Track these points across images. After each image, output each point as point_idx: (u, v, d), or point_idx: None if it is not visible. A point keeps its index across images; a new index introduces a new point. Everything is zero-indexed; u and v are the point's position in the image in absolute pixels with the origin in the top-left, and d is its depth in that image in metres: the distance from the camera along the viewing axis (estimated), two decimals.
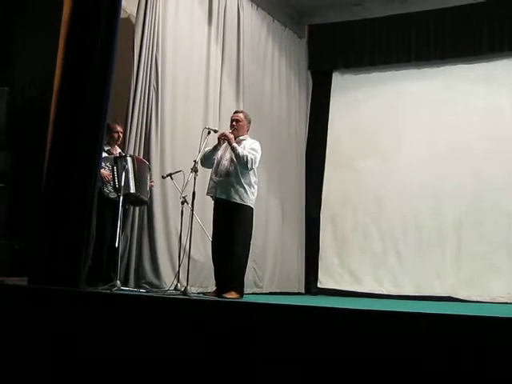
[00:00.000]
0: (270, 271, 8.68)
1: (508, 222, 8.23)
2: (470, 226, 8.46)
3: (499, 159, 8.35)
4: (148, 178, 6.36)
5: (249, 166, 5.97)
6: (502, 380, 3.20)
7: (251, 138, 6.28)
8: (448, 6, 8.73)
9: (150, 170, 6.50)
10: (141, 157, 6.63)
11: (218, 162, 6.12)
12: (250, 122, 6.34)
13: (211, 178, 6.17)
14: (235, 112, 6.48)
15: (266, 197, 8.43)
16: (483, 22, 8.59)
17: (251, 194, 6.06)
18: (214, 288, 6.14)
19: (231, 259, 5.97)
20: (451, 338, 3.37)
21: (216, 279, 6.12)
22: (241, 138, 6.18)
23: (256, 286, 8.31)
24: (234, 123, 6.22)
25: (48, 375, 4.50)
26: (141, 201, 6.38)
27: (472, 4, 8.58)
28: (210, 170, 6.25)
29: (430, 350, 3.37)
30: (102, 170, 5.96)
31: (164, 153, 6.98)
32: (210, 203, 6.28)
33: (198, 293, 6.41)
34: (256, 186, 6.15)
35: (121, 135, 6.47)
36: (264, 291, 8.40)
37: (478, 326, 3.39)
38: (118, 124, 6.43)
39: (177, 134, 7.15)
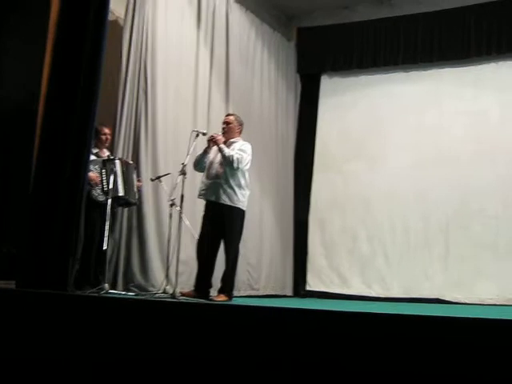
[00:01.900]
0: (265, 274, 8.70)
1: (495, 225, 8.26)
2: (458, 229, 8.50)
3: (486, 162, 8.39)
4: (134, 178, 6.35)
5: (234, 165, 5.98)
6: (492, 381, 3.21)
7: (243, 140, 6.30)
8: (436, 9, 8.77)
9: (135, 169, 6.48)
10: (129, 159, 6.62)
11: (210, 165, 6.14)
12: (241, 125, 6.36)
13: (202, 181, 6.19)
14: (226, 115, 6.51)
15: (258, 199, 8.44)
16: (471, 26, 8.62)
17: (241, 195, 6.07)
18: (192, 289, 6.13)
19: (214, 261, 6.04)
20: (439, 339, 3.38)
21: (197, 279, 6.12)
22: (232, 140, 6.20)
23: (251, 288, 8.32)
24: (224, 126, 6.24)
25: (35, 378, 4.47)
26: (129, 203, 6.39)
27: (460, 8, 8.62)
28: (200, 172, 6.27)
29: (420, 352, 3.38)
30: (90, 173, 5.95)
31: (153, 155, 6.97)
32: (200, 206, 6.29)
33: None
34: (247, 188, 6.16)
35: (109, 137, 6.46)
36: (260, 294, 8.41)
37: (466, 328, 3.40)
38: (106, 126, 6.42)
39: (166, 136, 7.14)
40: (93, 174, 6.04)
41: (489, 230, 8.29)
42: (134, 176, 6.36)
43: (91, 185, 6.03)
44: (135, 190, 6.33)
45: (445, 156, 8.63)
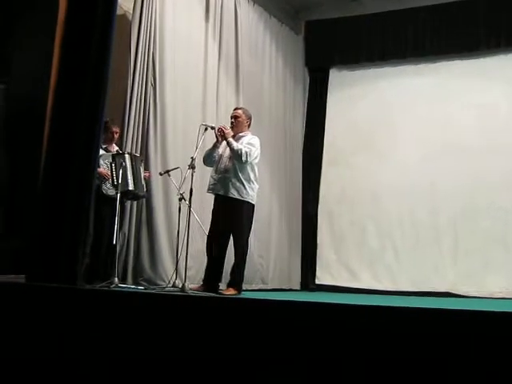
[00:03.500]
0: (273, 267, 8.70)
1: (504, 218, 8.24)
2: (467, 222, 8.48)
3: (495, 155, 8.36)
4: (142, 171, 6.35)
5: (243, 158, 5.97)
6: (502, 374, 3.21)
7: (252, 134, 6.29)
8: (444, 1, 8.71)
9: (142, 161, 6.48)
10: (138, 153, 6.63)
11: (219, 160, 6.14)
12: (250, 118, 6.35)
13: (211, 176, 6.19)
14: (235, 109, 6.51)
15: (267, 193, 8.44)
16: (480, 18, 8.58)
17: (250, 189, 6.07)
18: (201, 283, 6.14)
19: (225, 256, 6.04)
20: (449, 333, 3.37)
21: (206, 273, 6.13)
22: (241, 134, 6.20)
23: (260, 282, 8.33)
24: (232, 120, 6.24)
25: (46, 373, 4.49)
26: (137, 196, 6.40)
27: (467, 0, 8.57)
28: (210, 167, 6.27)
29: (430, 345, 3.38)
30: (101, 169, 5.98)
31: (162, 149, 6.98)
32: (209, 200, 6.30)
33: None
34: (256, 182, 6.16)
35: (116, 136, 6.48)
36: (268, 287, 8.42)
37: (476, 321, 3.40)
38: (115, 125, 6.44)
39: (175, 130, 7.15)
40: (103, 169, 6.06)
41: (498, 223, 8.26)
42: (142, 168, 6.36)
43: (101, 179, 6.05)
44: (143, 182, 6.34)
45: (454, 149, 8.60)
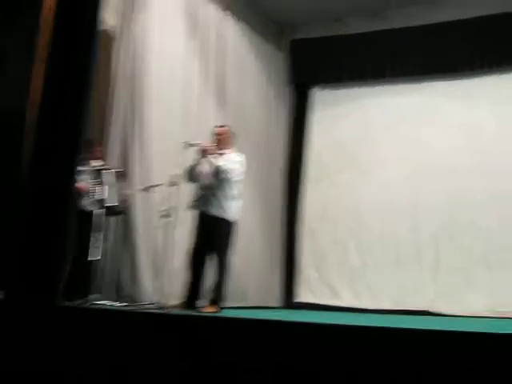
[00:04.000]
0: (254, 285, 8.67)
1: (485, 237, 8.27)
2: (448, 241, 8.50)
3: (478, 175, 8.38)
4: (122, 186, 6.33)
5: (223, 175, 5.99)
6: None
7: (235, 152, 6.30)
8: (429, 22, 8.78)
9: (123, 176, 6.45)
10: (119, 169, 6.61)
11: (202, 176, 6.13)
12: (233, 136, 6.36)
13: (194, 192, 6.19)
14: (218, 126, 6.50)
15: (249, 210, 8.43)
16: (464, 39, 8.65)
17: (233, 206, 6.07)
18: (181, 300, 6.11)
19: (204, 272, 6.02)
20: (430, 353, 3.37)
21: (186, 289, 6.09)
22: (224, 151, 6.20)
23: (243, 299, 8.30)
24: (216, 137, 6.24)
25: None
26: (117, 212, 6.38)
27: (453, 21, 8.64)
28: (192, 183, 6.25)
29: (410, 365, 3.37)
30: (79, 184, 5.94)
31: (144, 166, 6.96)
32: (191, 217, 6.27)
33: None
34: (239, 199, 6.16)
35: (99, 153, 6.44)
36: (248, 305, 8.38)
37: (456, 341, 3.40)
38: (98, 146, 6.41)
39: (157, 147, 7.13)
40: (83, 184, 6.03)
41: (480, 242, 8.28)
42: (122, 184, 6.34)
43: (81, 194, 6.02)
44: (123, 198, 6.32)
45: (437, 168, 8.64)
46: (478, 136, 8.55)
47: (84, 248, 5.99)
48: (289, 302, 9.30)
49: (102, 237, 6.37)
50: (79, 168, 5.69)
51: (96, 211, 5.89)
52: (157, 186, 6.28)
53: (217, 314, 5.68)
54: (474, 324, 6.35)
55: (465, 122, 8.63)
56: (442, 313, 8.17)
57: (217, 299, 5.98)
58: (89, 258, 5.88)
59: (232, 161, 6.09)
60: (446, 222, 8.53)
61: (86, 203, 6.10)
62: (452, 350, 3.35)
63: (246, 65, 8.91)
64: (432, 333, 3.55)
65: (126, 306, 6.14)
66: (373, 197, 8.98)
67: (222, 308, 6.09)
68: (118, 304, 6.17)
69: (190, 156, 6.25)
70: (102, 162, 6.51)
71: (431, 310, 8.25)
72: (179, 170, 5.97)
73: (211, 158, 6.05)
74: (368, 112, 9.28)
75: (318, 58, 9.65)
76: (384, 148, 9.08)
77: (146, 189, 6.40)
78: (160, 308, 5.57)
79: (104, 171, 6.13)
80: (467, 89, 8.74)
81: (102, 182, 5.99)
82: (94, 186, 6.04)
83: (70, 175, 5.45)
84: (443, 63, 8.80)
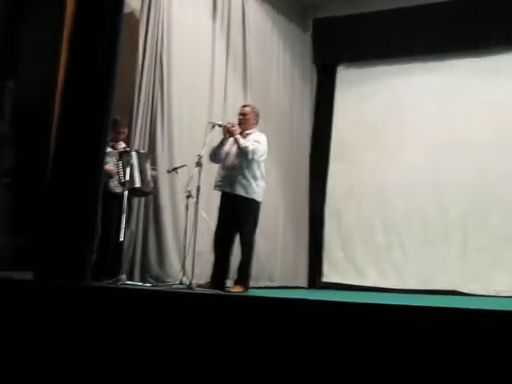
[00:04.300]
0: (280, 265, 8.71)
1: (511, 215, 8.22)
2: (475, 220, 8.46)
3: (503, 152, 8.33)
4: (148, 167, 6.35)
5: (249, 156, 5.98)
6: (504, 373, 3.21)
7: (259, 131, 6.30)
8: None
9: (148, 157, 6.47)
10: (145, 151, 6.65)
11: (226, 157, 6.15)
12: (257, 116, 6.35)
13: (218, 172, 6.21)
14: (242, 106, 6.50)
15: (274, 190, 8.45)
16: (489, 15, 8.53)
17: (257, 187, 6.07)
18: (208, 280, 6.15)
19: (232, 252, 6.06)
20: (456, 332, 3.38)
21: (213, 270, 6.13)
22: (248, 131, 6.20)
23: (269, 279, 8.35)
24: (240, 117, 6.24)
25: (54, 371, 4.51)
26: (144, 193, 6.42)
27: None
28: (216, 164, 6.27)
29: (436, 344, 3.38)
30: (107, 166, 5.99)
31: (169, 147, 7.00)
32: (215, 198, 6.30)
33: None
34: (263, 180, 6.16)
35: (123, 135, 6.47)
36: (275, 285, 8.43)
37: (482, 320, 3.40)
38: (123, 124, 6.44)
39: (182, 128, 7.16)
40: (109, 166, 6.08)
41: (507, 221, 8.23)
42: (148, 165, 6.37)
43: (108, 176, 6.07)
44: (149, 179, 6.35)
45: (462, 146, 8.57)
46: (503, 113, 8.46)
47: (112, 229, 6.05)
48: (315, 282, 9.32)
49: (129, 218, 6.44)
50: (106, 150, 5.76)
51: (123, 193, 5.92)
52: (182, 166, 6.30)
53: (243, 294, 5.71)
54: (499, 303, 6.33)
55: (490, 99, 8.53)
56: (467, 293, 8.14)
57: (243, 279, 6.01)
58: (117, 239, 5.93)
59: (256, 141, 6.08)
60: (472, 201, 8.48)
61: (113, 185, 6.15)
62: (478, 328, 3.35)
63: (270, 46, 8.87)
64: (457, 311, 3.55)
65: (153, 286, 6.20)
66: (398, 176, 8.94)
67: (249, 288, 6.13)
68: (145, 284, 6.24)
69: (215, 136, 6.26)
70: (127, 144, 6.56)
71: (457, 289, 8.22)
72: (204, 150, 5.98)
73: (236, 138, 6.05)
74: (393, 90, 9.22)
75: (341, 37, 9.57)
76: (409, 127, 9.03)
77: (172, 170, 6.42)
78: (188, 288, 5.61)
79: (130, 153, 6.15)
80: (492, 65, 8.63)
81: (128, 163, 6.02)
82: (121, 167, 6.07)
83: (98, 157, 5.51)
84: (467, 40, 8.69)
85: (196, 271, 5.93)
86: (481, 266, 8.24)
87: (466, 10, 8.67)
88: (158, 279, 6.64)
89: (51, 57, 5.90)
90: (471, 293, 8.12)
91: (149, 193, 6.50)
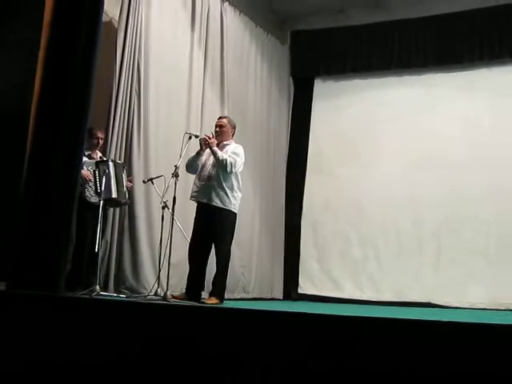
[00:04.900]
0: (256, 277, 8.71)
1: (486, 230, 8.29)
2: (449, 233, 8.52)
3: (478, 167, 8.41)
4: (124, 178, 6.31)
5: (228, 169, 5.98)
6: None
7: (236, 143, 6.30)
8: (430, 14, 8.79)
9: (124, 168, 6.43)
10: (121, 161, 6.61)
11: (202, 167, 6.14)
12: (234, 127, 6.36)
13: (194, 183, 6.19)
14: (219, 117, 6.50)
15: (250, 202, 8.44)
16: (464, 32, 8.66)
17: (233, 198, 6.07)
18: (183, 291, 6.11)
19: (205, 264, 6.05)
20: (430, 343, 3.39)
21: (188, 281, 6.10)
22: (225, 142, 6.20)
23: (244, 291, 8.33)
24: (217, 129, 6.24)
25: (25, 381, 4.46)
26: (119, 203, 6.37)
27: (453, 13, 8.65)
28: (192, 174, 6.26)
29: (410, 356, 3.39)
30: (83, 171, 5.95)
31: (145, 157, 6.97)
32: (192, 208, 6.28)
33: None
34: (239, 191, 6.16)
35: (101, 142, 6.46)
36: (250, 296, 8.41)
37: (457, 332, 3.41)
38: (100, 130, 6.42)
39: (159, 138, 7.14)
40: (85, 171, 6.05)
41: (480, 235, 8.31)
42: (124, 176, 6.33)
43: (84, 185, 6.03)
44: (125, 189, 6.31)
45: (437, 160, 8.65)
46: (477, 128, 8.57)
47: (87, 239, 6.00)
48: (290, 293, 9.32)
49: (104, 228, 6.39)
50: (82, 158, 5.71)
51: (99, 202, 5.88)
52: (158, 177, 6.27)
53: (218, 305, 5.69)
54: (473, 315, 6.37)
55: (465, 113, 8.64)
56: (442, 305, 8.19)
57: (218, 290, 5.98)
58: (91, 249, 5.88)
59: (234, 153, 6.08)
60: (447, 215, 8.55)
61: (89, 194, 6.11)
62: (452, 340, 3.36)
63: (248, 57, 8.90)
64: (432, 324, 3.56)
65: (127, 297, 6.15)
66: (374, 189, 8.99)
67: (224, 299, 6.11)
68: (119, 295, 6.19)
69: (192, 147, 6.25)
70: (103, 153, 6.52)
71: (432, 301, 8.27)
72: (180, 161, 5.96)
73: (213, 150, 6.04)
74: (369, 104, 9.28)
75: (319, 50, 9.64)
76: (385, 140, 9.09)
77: (148, 180, 6.39)
78: (162, 299, 5.57)
79: (107, 162, 6.11)
80: (467, 81, 8.74)
81: (104, 173, 5.98)
82: (98, 177, 6.03)
83: (73, 166, 5.47)
84: (443, 55, 8.81)
85: (171, 282, 5.89)
86: (455, 279, 8.30)
87: (443, 26, 8.78)
88: (132, 290, 6.58)
89: (28, 61, 5.85)
90: (446, 305, 8.17)
91: (124, 203, 6.45)
